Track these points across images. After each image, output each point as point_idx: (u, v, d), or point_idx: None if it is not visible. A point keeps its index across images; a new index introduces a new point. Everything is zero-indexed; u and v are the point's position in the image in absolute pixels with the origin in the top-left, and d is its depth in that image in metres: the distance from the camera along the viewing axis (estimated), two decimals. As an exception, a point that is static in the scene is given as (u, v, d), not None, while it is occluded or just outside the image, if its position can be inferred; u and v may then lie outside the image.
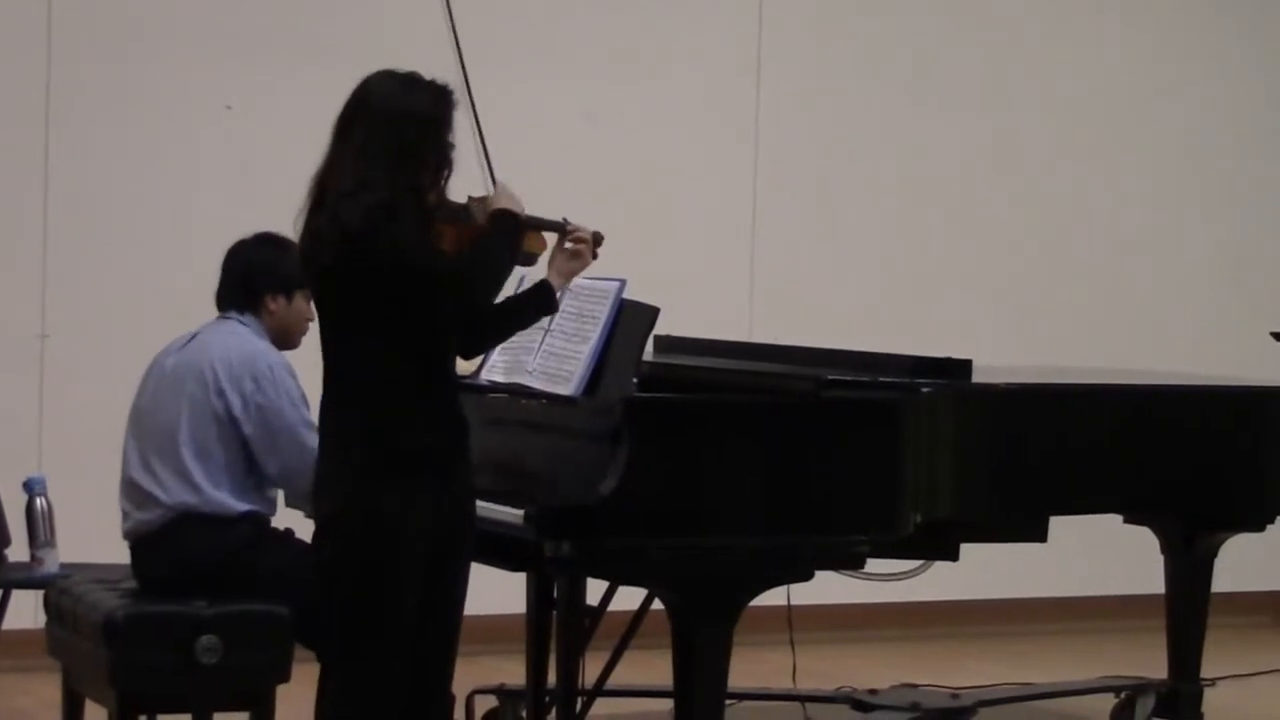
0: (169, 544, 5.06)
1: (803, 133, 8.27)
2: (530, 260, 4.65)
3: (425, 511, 4.40)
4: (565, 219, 4.69)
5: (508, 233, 4.49)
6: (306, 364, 4.90)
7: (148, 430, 5.16)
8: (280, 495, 5.24)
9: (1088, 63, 8.79)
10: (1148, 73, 8.91)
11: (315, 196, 4.39)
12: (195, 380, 5.10)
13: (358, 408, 4.40)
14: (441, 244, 4.44)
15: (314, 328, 4.68)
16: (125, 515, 5.19)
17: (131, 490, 5.16)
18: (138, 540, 5.15)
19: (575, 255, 4.67)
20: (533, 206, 4.69)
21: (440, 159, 4.41)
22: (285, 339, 5.24)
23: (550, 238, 4.70)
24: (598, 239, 4.70)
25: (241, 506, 5.07)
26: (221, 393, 5.07)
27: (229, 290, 5.28)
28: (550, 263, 4.69)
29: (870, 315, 8.15)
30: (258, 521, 5.12)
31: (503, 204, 4.51)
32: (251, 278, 5.23)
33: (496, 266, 4.49)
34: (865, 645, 7.98)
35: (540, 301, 4.64)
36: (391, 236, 4.29)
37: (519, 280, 4.79)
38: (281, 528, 5.20)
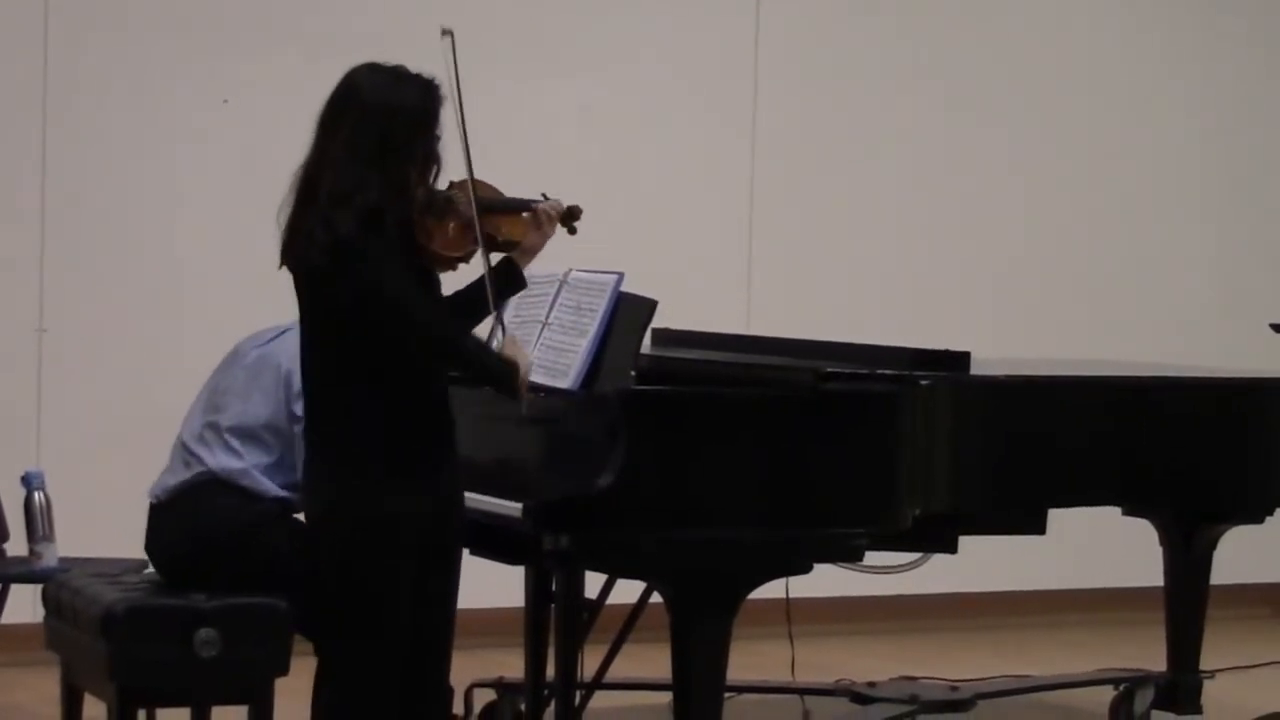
0: (198, 502, 5.07)
1: (800, 126, 8.26)
2: (514, 248, 4.65)
3: (412, 507, 4.40)
4: (544, 194, 4.67)
5: (500, 376, 4.49)
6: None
7: (214, 406, 5.19)
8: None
9: (1086, 55, 8.79)
10: (1147, 66, 8.90)
11: (302, 191, 4.37)
12: (272, 375, 5.12)
13: (342, 405, 4.40)
14: (430, 239, 4.42)
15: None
16: (166, 470, 5.19)
17: (181, 450, 5.19)
18: (167, 499, 5.14)
19: (537, 228, 4.61)
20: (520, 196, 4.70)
21: (429, 153, 4.40)
22: None
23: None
24: (573, 213, 4.69)
25: (278, 491, 5.09)
26: (290, 391, 5.07)
27: None
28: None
29: (868, 308, 8.15)
30: (287, 506, 5.12)
31: (509, 352, 4.51)
32: None
33: (471, 363, 4.53)
34: (864, 638, 7.98)
35: (507, 280, 4.61)
36: (378, 278, 4.28)
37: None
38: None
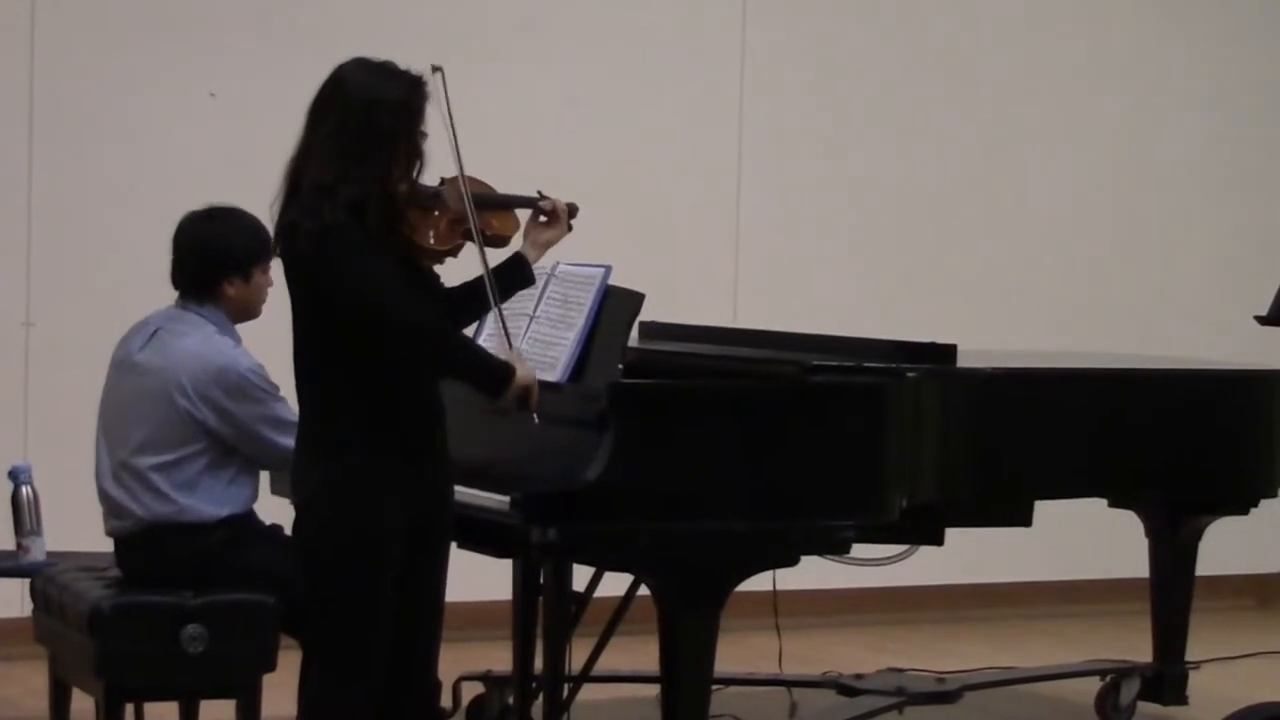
0: (148, 548, 5.05)
1: (788, 120, 8.26)
2: (503, 242, 4.66)
3: (401, 495, 4.40)
4: (540, 192, 4.70)
5: (493, 379, 4.47)
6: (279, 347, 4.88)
7: (116, 441, 5.11)
8: (266, 480, 5.22)
9: (1082, 49, 8.77)
10: (1144, 59, 8.90)
11: (290, 184, 4.40)
12: (161, 393, 5.01)
13: (330, 392, 4.40)
14: (413, 232, 4.44)
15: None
16: (104, 518, 5.18)
17: (106, 500, 5.13)
18: (119, 540, 5.14)
19: (551, 224, 4.68)
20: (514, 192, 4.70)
21: (411, 149, 4.41)
22: (246, 314, 5.14)
23: (523, 216, 4.71)
24: (572, 210, 4.72)
25: (219, 513, 5.02)
26: (192, 403, 4.99)
27: (184, 275, 5.14)
28: (525, 235, 4.70)
29: (856, 302, 8.15)
30: (235, 526, 5.05)
31: (515, 363, 4.51)
32: (206, 264, 5.08)
33: (458, 367, 4.50)
34: (851, 630, 7.99)
35: (516, 276, 4.64)
36: (363, 270, 4.28)
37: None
38: (268, 523, 5.17)
